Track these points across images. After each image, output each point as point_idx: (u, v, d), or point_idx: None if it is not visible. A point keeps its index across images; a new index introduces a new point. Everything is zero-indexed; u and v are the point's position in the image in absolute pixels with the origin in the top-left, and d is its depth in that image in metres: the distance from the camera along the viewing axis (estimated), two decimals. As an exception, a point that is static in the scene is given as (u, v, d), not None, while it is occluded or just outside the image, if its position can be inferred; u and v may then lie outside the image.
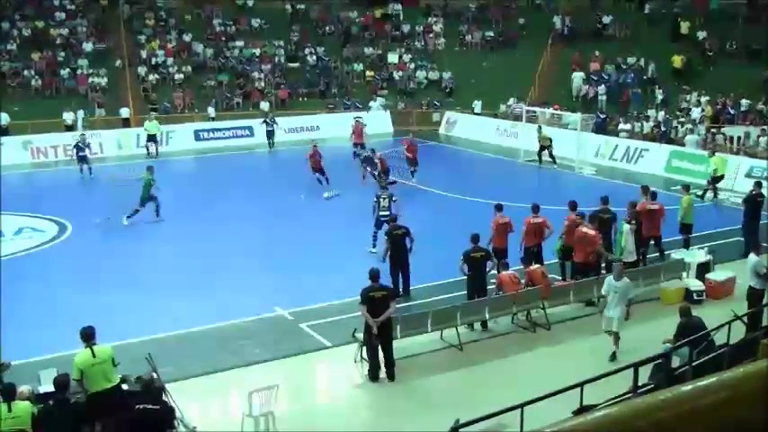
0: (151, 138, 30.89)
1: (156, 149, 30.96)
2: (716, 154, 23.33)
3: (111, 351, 9.56)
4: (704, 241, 17.14)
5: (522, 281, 13.72)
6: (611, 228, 15.35)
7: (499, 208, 15.56)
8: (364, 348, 11.91)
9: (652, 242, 16.24)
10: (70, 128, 32.10)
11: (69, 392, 9.09)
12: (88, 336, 9.53)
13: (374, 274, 11.84)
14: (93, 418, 9.16)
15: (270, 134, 32.42)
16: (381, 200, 17.31)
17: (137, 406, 8.47)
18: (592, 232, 14.43)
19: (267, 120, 32.62)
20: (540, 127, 29.26)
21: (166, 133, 32.83)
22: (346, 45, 41.54)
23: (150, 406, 8.44)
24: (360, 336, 12.04)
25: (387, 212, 17.04)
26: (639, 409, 2.26)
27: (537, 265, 14.03)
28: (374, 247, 16.98)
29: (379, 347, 11.63)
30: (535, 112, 33.00)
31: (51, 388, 9.48)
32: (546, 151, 28.02)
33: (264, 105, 36.45)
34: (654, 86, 34.53)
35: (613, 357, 11.90)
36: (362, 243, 17.51)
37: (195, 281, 16.12)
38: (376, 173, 23.48)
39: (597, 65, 37.39)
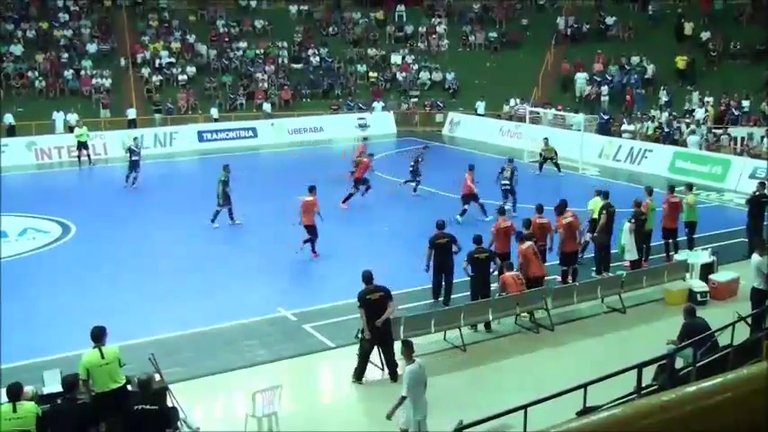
0: (82, 145, 29.20)
1: (89, 156, 29.38)
2: (596, 197, 16.98)
3: (118, 352, 9.51)
4: (708, 242, 17.13)
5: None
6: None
7: (501, 212, 15.56)
8: (367, 349, 11.91)
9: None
10: (73, 129, 32.16)
11: (77, 392, 9.08)
12: (98, 336, 9.40)
13: (367, 276, 11.70)
14: (98, 419, 9.14)
15: (134, 165, 25.10)
16: None
17: (134, 407, 8.46)
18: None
19: (132, 147, 25.51)
20: (546, 139, 28.20)
21: (170, 134, 32.86)
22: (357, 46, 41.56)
23: (148, 406, 8.41)
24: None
25: None
26: (643, 411, 2.26)
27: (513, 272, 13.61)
28: None
29: (379, 349, 11.62)
30: (538, 112, 32.96)
31: (56, 389, 9.47)
32: (550, 161, 27.13)
33: (267, 106, 36.44)
34: (657, 87, 34.50)
35: None
36: (366, 243, 17.44)
37: (199, 281, 16.14)
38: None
39: (600, 65, 37.37)
